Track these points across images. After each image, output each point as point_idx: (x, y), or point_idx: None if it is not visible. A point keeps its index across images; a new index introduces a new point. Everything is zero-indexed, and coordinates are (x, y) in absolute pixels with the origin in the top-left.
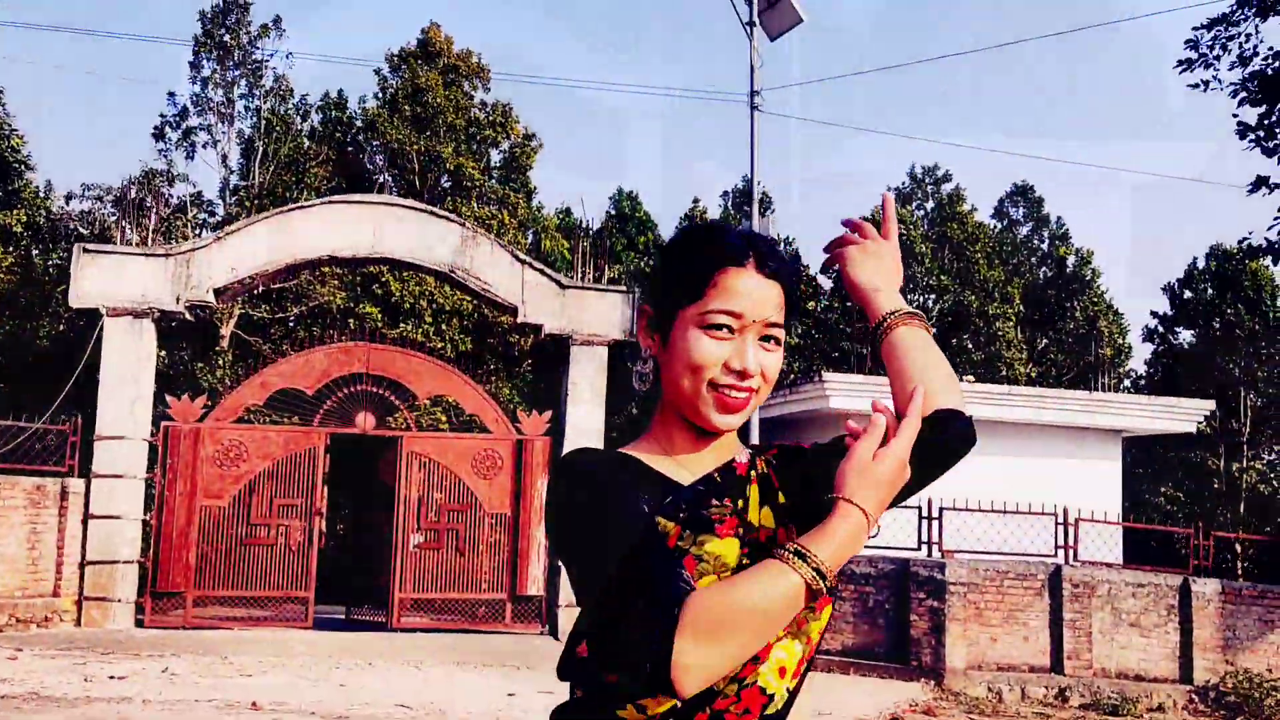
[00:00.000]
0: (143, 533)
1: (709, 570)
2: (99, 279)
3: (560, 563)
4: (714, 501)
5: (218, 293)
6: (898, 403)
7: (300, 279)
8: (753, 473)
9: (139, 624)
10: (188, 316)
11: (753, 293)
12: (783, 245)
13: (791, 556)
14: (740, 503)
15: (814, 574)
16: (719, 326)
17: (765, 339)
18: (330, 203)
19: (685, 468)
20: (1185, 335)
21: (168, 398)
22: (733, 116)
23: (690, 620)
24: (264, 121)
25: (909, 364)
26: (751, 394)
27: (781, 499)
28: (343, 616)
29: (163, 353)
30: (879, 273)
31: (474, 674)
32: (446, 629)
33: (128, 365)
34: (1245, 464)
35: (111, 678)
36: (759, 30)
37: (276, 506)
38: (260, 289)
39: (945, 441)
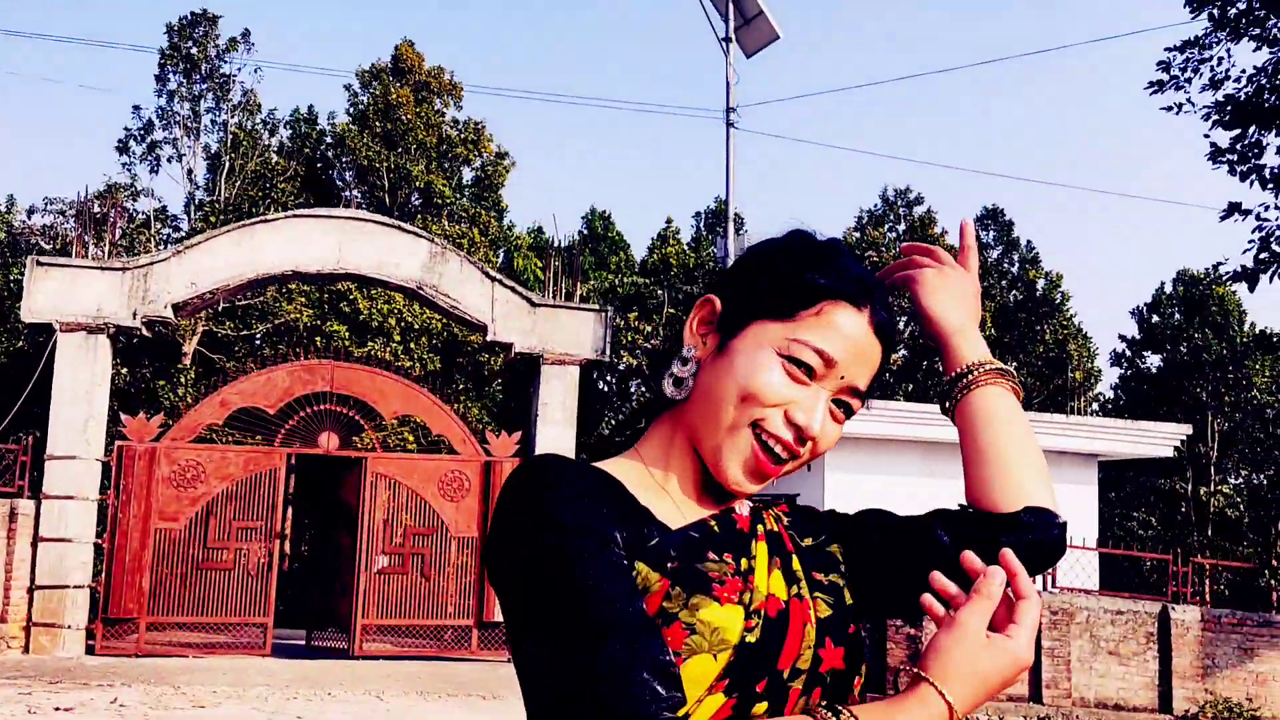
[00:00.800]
0: (95, 556)
1: (703, 646)
2: (52, 293)
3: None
4: (711, 555)
5: (176, 308)
6: (970, 484)
7: (266, 295)
8: (759, 527)
9: (90, 651)
10: (145, 332)
11: (858, 343)
12: None
13: None
14: (744, 562)
15: None
16: (801, 364)
17: (838, 404)
18: (294, 216)
19: (676, 505)
20: (1153, 359)
21: (122, 416)
22: (709, 135)
23: None
24: (230, 136)
25: (993, 442)
26: (790, 461)
27: (796, 565)
28: (303, 642)
29: (124, 370)
30: (960, 307)
31: (438, 704)
32: (411, 656)
33: (81, 382)
34: (1213, 488)
35: (57, 709)
36: (735, 47)
37: (235, 529)
38: (222, 305)
39: (1030, 546)
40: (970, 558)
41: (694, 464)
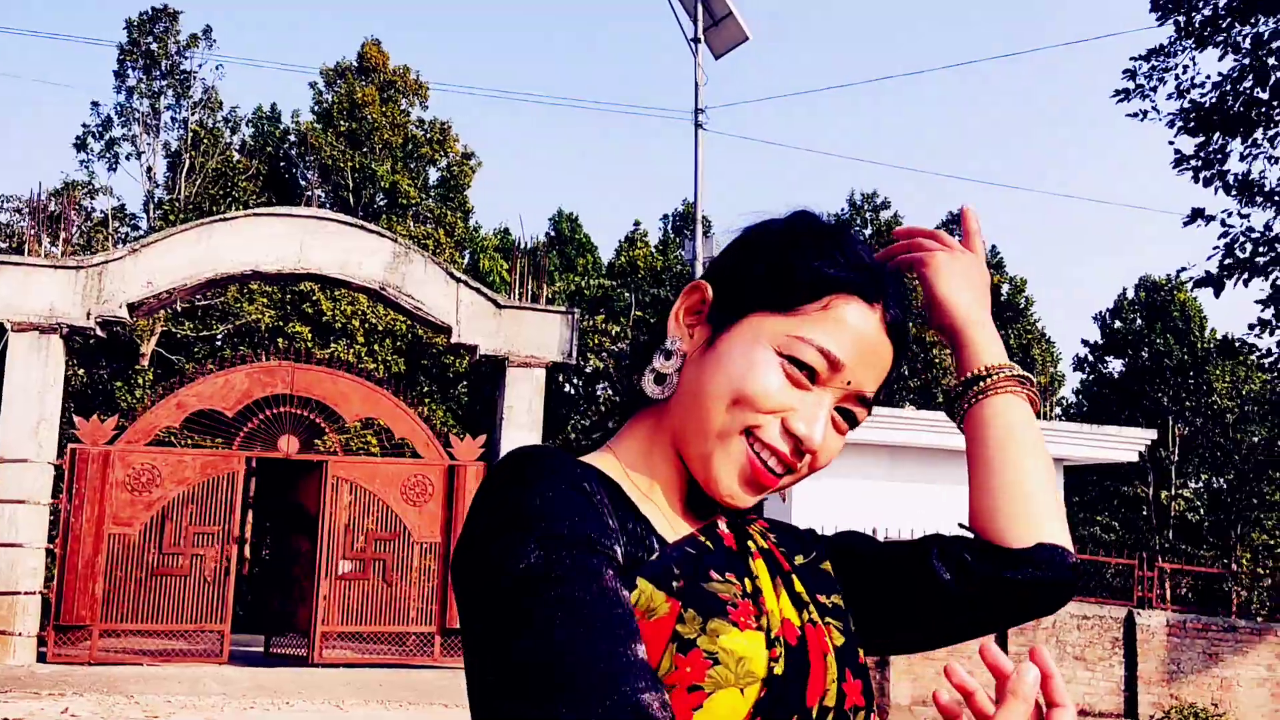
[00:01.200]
0: (46, 562)
1: (729, 679)
2: (4, 291)
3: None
4: (714, 574)
5: (132, 308)
6: (977, 509)
7: (226, 296)
8: (750, 544)
9: (41, 658)
10: (99, 332)
11: (869, 344)
12: None
13: None
14: (748, 583)
15: None
16: (803, 365)
17: (841, 412)
18: (254, 215)
19: (664, 515)
20: (1115, 364)
21: (75, 418)
22: (678, 137)
23: None
24: (191, 133)
25: (1008, 463)
26: (787, 475)
27: (799, 587)
28: (262, 649)
29: (80, 371)
30: (975, 296)
31: (400, 713)
32: (372, 663)
33: (33, 383)
34: (1174, 492)
35: (5, 719)
36: (704, 48)
37: (191, 534)
38: (180, 305)
39: (1038, 586)
40: (993, 653)
41: (678, 471)
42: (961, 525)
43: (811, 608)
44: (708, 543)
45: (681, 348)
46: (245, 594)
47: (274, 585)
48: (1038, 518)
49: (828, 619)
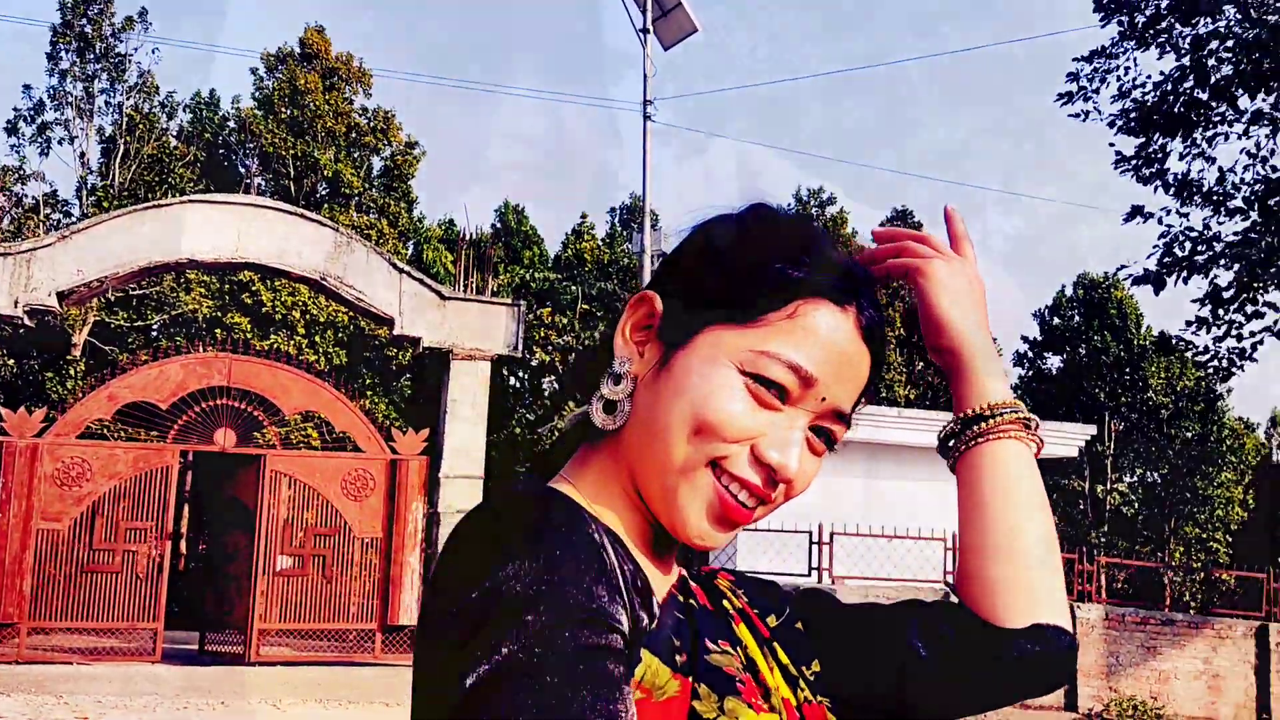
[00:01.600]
0: None
1: None
2: None
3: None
4: (709, 643)
5: (62, 296)
6: (970, 577)
7: (162, 285)
8: (726, 604)
9: None
10: (28, 322)
11: (843, 353)
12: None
13: None
14: (740, 653)
15: None
16: (770, 384)
17: (817, 431)
18: (190, 202)
19: (646, 569)
20: (1053, 360)
21: (3, 410)
22: (626, 129)
23: None
24: (126, 118)
25: (1011, 527)
26: (761, 507)
27: (783, 657)
28: (196, 648)
29: (10, 361)
30: (976, 313)
31: (339, 712)
32: (311, 661)
33: None
34: (1110, 486)
35: None
36: (653, 39)
37: (123, 530)
38: (113, 294)
39: (1028, 665)
40: None
41: (639, 510)
42: (948, 586)
43: (802, 683)
44: (689, 602)
45: (632, 370)
46: (180, 591)
47: (210, 581)
48: (1035, 593)
49: (819, 697)
